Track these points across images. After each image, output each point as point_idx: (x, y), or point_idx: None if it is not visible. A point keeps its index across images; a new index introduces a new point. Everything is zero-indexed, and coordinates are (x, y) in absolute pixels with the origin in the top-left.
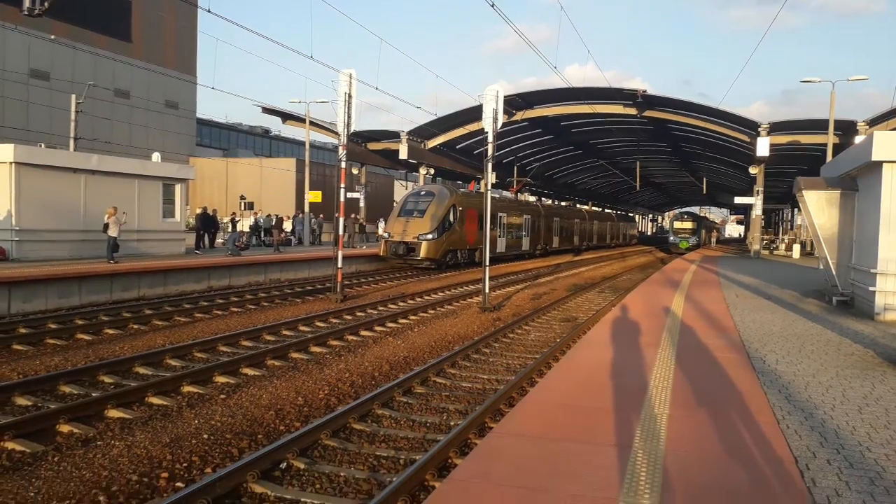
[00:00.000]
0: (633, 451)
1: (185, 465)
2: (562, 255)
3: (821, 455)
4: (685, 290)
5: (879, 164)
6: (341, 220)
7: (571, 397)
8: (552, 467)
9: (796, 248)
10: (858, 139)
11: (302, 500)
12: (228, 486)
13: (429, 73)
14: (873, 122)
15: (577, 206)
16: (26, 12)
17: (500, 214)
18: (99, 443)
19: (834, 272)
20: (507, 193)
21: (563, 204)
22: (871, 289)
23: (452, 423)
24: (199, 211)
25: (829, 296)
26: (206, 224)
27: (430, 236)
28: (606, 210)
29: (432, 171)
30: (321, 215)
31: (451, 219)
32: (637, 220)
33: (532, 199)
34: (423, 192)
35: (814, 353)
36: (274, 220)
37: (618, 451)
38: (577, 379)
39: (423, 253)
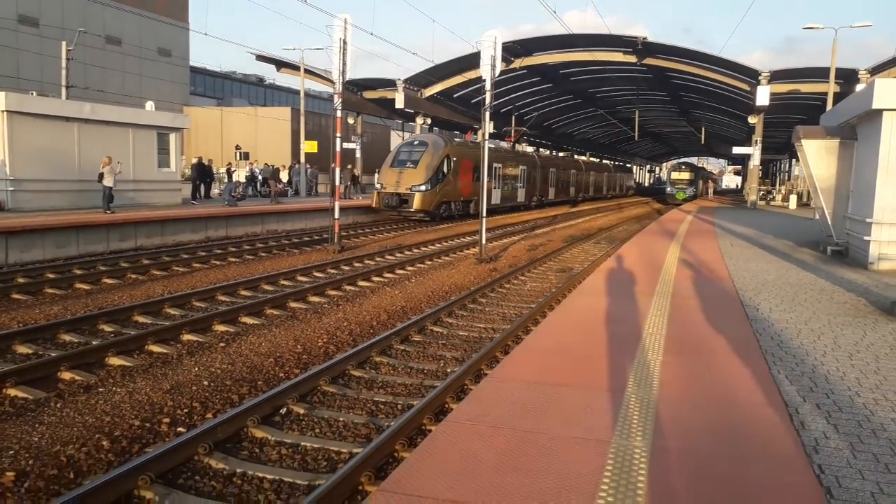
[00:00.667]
0: (627, 396)
1: (186, 410)
2: (558, 207)
3: (810, 399)
4: (681, 240)
5: (880, 112)
6: (337, 170)
7: (566, 344)
8: (547, 410)
9: (793, 198)
10: (859, 87)
11: (302, 443)
12: (229, 430)
13: (426, 18)
14: (875, 71)
15: (574, 156)
16: None
17: (495, 166)
18: (101, 389)
19: (830, 222)
20: (503, 144)
21: (560, 154)
22: (865, 238)
23: (449, 370)
24: (194, 161)
25: (824, 246)
26: (202, 174)
27: (423, 188)
28: (603, 161)
29: (429, 120)
30: (314, 166)
31: (445, 170)
32: (635, 171)
33: (530, 149)
34: (416, 143)
35: (807, 301)
36: (271, 170)
37: (611, 395)
38: (572, 326)
39: (416, 205)
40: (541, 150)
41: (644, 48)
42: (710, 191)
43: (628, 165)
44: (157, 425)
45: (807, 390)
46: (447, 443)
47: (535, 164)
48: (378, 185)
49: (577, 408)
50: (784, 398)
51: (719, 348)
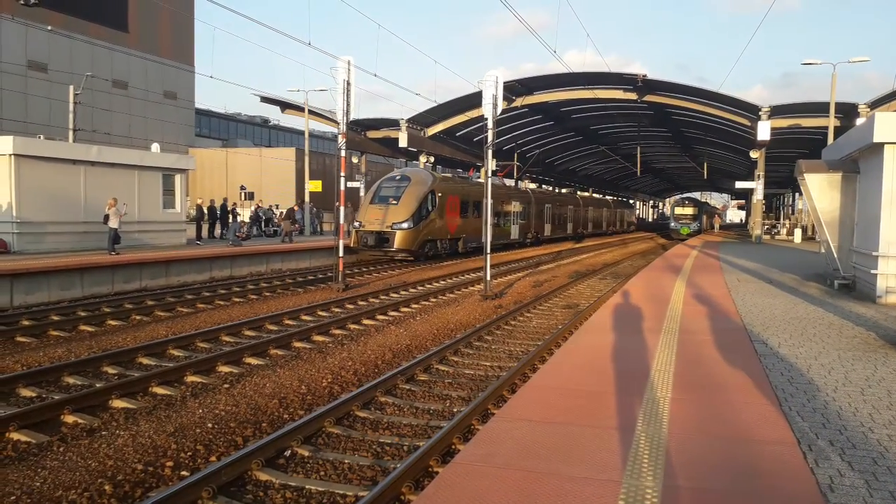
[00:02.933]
0: (636, 434)
1: (189, 453)
2: (555, 244)
3: (823, 436)
4: (686, 275)
5: (881, 145)
6: (342, 209)
7: (574, 382)
8: (555, 450)
9: (797, 232)
10: (860, 121)
11: (307, 487)
12: (233, 473)
13: (428, 59)
14: (874, 105)
15: (572, 192)
16: (23, 2)
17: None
18: (104, 433)
19: (835, 255)
20: (494, 179)
21: (563, 191)
22: (872, 271)
23: (455, 410)
24: (199, 201)
25: (831, 279)
26: (214, 214)
27: (405, 225)
28: (603, 196)
29: (432, 158)
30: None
31: (430, 206)
32: (638, 206)
33: (532, 185)
34: (398, 177)
35: (816, 335)
36: (280, 211)
37: (620, 434)
38: (580, 364)
39: (397, 244)
40: (543, 186)
41: (644, 85)
42: (717, 226)
43: (629, 201)
44: (161, 469)
45: (819, 427)
46: (455, 485)
47: (530, 200)
48: (356, 224)
49: (587, 447)
50: (796, 435)
51: (729, 385)
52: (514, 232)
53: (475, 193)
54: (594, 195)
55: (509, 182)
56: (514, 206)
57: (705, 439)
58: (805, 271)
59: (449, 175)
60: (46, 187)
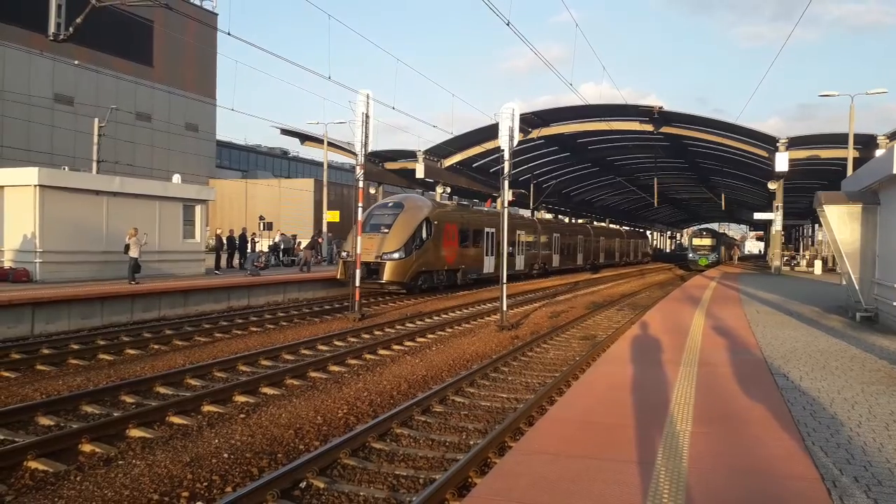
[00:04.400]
0: (656, 469)
1: (205, 484)
2: (564, 276)
3: (848, 472)
4: (705, 306)
5: None
6: (359, 238)
7: (592, 415)
8: (574, 485)
9: (818, 263)
10: (879, 153)
11: None
12: None
13: (445, 92)
14: (894, 136)
15: (587, 222)
16: (51, 38)
17: (487, 231)
18: (121, 462)
19: (857, 287)
20: (501, 208)
21: (579, 221)
22: (895, 304)
23: (472, 443)
24: (218, 232)
25: (853, 312)
26: (233, 244)
27: (396, 255)
28: (615, 226)
29: (449, 189)
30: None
31: (425, 235)
32: (655, 236)
33: (549, 216)
34: (390, 204)
35: (838, 369)
36: (300, 241)
37: (640, 468)
38: (598, 396)
39: (387, 275)
40: (559, 217)
41: (661, 117)
42: (735, 257)
43: (642, 230)
44: (177, 499)
45: (843, 462)
46: None
47: (535, 229)
48: (344, 254)
49: (606, 482)
50: (820, 471)
51: (750, 418)
52: (519, 263)
53: (475, 222)
54: (607, 225)
55: (524, 212)
56: (519, 236)
57: (726, 474)
58: (826, 303)
59: (447, 203)
60: (69, 217)
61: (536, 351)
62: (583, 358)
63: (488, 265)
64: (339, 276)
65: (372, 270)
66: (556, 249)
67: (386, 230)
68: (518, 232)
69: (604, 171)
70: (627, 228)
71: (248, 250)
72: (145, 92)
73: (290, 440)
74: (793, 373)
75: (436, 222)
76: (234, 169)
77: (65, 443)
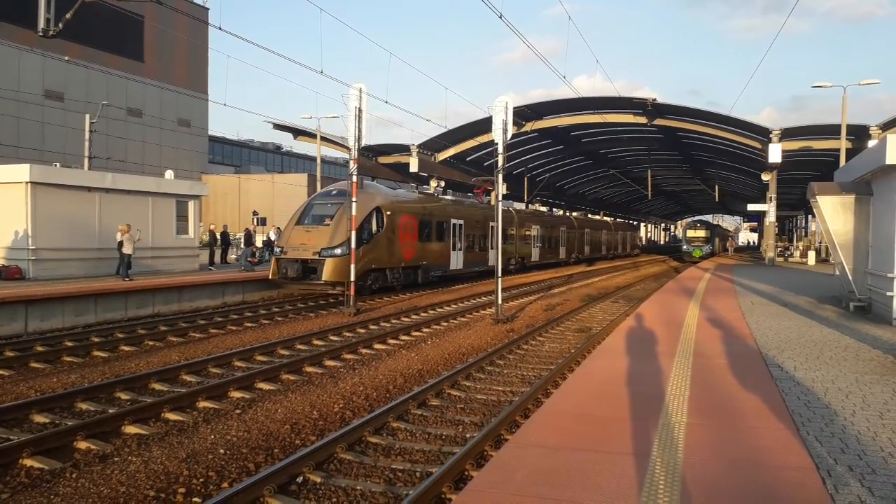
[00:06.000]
0: (652, 460)
1: (201, 480)
2: (546, 271)
3: (842, 461)
4: (700, 298)
5: (894, 167)
6: (353, 234)
7: (588, 407)
8: (570, 477)
9: (811, 254)
10: (871, 143)
11: None
12: (245, 500)
13: (438, 85)
14: (886, 126)
15: (583, 214)
16: (41, 33)
17: (454, 222)
18: (116, 459)
19: (850, 278)
20: (472, 199)
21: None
22: (888, 293)
23: (468, 436)
24: (212, 227)
25: (846, 302)
26: (227, 240)
27: (338, 251)
28: (602, 217)
29: (443, 183)
30: None
31: (376, 227)
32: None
33: (543, 209)
34: (335, 192)
35: (832, 359)
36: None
37: (636, 460)
38: (593, 389)
39: (326, 274)
40: (553, 210)
41: (654, 109)
42: (730, 248)
43: (633, 222)
44: (173, 496)
45: (838, 452)
46: None
47: (511, 221)
48: (277, 249)
49: (602, 474)
50: (815, 460)
51: (745, 409)
52: (493, 257)
53: (440, 213)
54: (592, 216)
55: (518, 205)
56: (492, 229)
57: (722, 465)
58: (820, 294)
59: (404, 190)
60: (62, 214)
61: (532, 344)
62: (578, 350)
63: (455, 261)
64: (271, 277)
65: (309, 269)
66: (535, 242)
67: (327, 222)
68: (491, 224)
69: (597, 163)
70: (615, 220)
71: (243, 246)
72: (137, 87)
73: (287, 435)
74: (787, 363)
75: (389, 213)
76: (226, 164)
77: (60, 440)
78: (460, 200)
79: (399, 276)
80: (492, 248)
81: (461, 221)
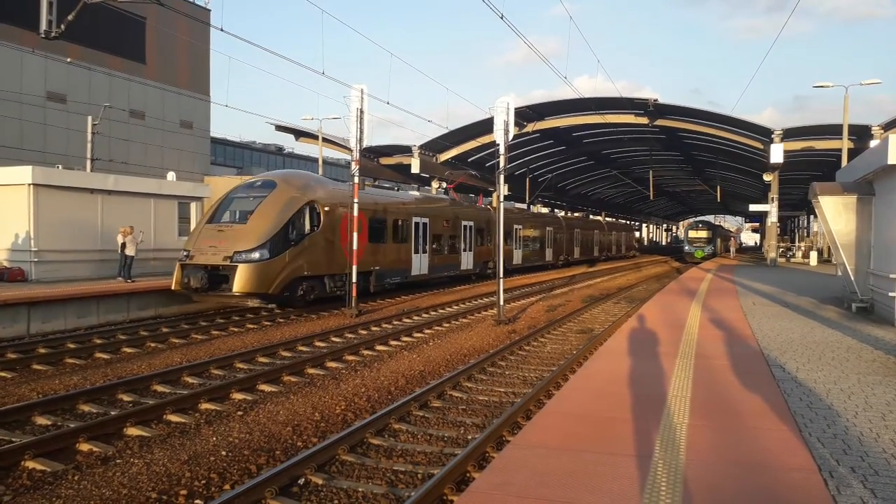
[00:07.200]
0: (654, 462)
1: (203, 482)
2: (528, 275)
3: (845, 462)
4: (702, 299)
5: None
6: (355, 235)
7: (590, 408)
8: (572, 478)
9: (813, 255)
10: (873, 143)
11: None
12: (247, 502)
13: (439, 86)
14: (888, 126)
15: (580, 214)
16: (43, 35)
17: (416, 220)
18: (118, 461)
19: (852, 278)
20: (440, 195)
21: (575, 213)
22: (890, 294)
23: (470, 437)
24: None
25: (848, 302)
26: None
27: (255, 254)
28: (594, 216)
29: (444, 184)
30: None
31: (308, 226)
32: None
33: (545, 210)
34: (258, 183)
35: (834, 360)
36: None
37: (638, 461)
38: (595, 390)
39: (239, 284)
40: (555, 210)
41: (655, 110)
42: (733, 249)
43: (629, 223)
44: (175, 498)
45: (840, 453)
46: None
47: (490, 220)
48: (183, 253)
49: (604, 475)
50: (817, 461)
51: (747, 410)
52: (467, 260)
53: (398, 209)
54: (581, 216)
55: (521, 206)
56: (467, 228)
57: (724, 466)
58: (822, 294)
59: (340, 184)
60: (64, 216)
61: (534, 345)
62: (580, 352)
63: (418, 265)
64: (174, 287)
65: (217, 278)
66: (516, 244)
67: (245, 219)
68: (464, 223)
69: (599, 164)
70: (609, 219)
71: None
72: (138, 89)
73: (289, 437)
74: (789, 364)
75: (327, 208)
76: (228, 166)
77: (62, 442)
78: (426, 196)
79: (338, 285)
80: (464, 251)
81: (425, 220)
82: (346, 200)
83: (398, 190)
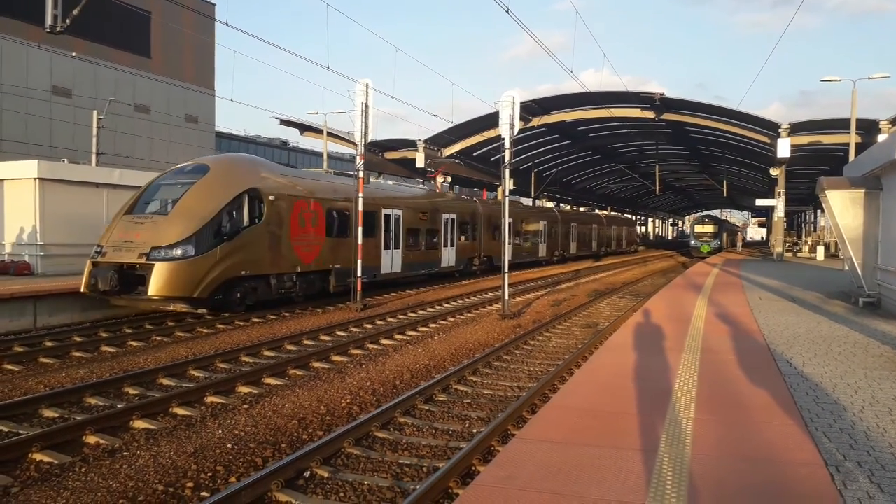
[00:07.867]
0: (659, 456)
1: (209, 474)
2: (521, 271)
3: (851, 457)
4: (708, 293)
5: None
6: (360, 229)
7: (595, 402)
8: (577, 472)
9: (820, 249)
10: (881, 138)
11: None
12: (253, 495)
13: (445, 80)
14: (895, 121)
15: (580, 208)
16: (48, 29)
17: (386, 212)
18: (125, 453)
19: (860, 273)
20: (416, 185)
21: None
22: None
23: (475, 431)
24: None
25: (855, 297)
26: None
27: (177, 251)
28: (593, 211)
29: (449, 178)
30: None
31: (248, 218)
32: (657, 223)
33: (550, 205)
34: (189, 168)
35: (841, 354)
36: None
37: (643, 455)
38: (601, 384)
39: (157, 286)
40: (561, 205)
41: (662, 104)
42: (739, 244)
43: (631, 217)
44: (181, 490)
45: (847, 448)
46: None
47: (474, 213)
48: (95, 250)
49: (609, 469)
50: (823, 456)
51: (753, 405)
52: (448, 256)
53: (375, 204)
54: (578, 210)
55: (526, 202)
56: (448, 222)
57: (730, 460)
58: (828, 289)
59: (291, 169)
60: (70, 210)
61: (539, 339)
62: (585, 346)
63: (389, 262)
64: (83, 289)
65: (131, 278)
66: (510, 239)
67: (168, 209)
68: (444, 216)
69: (605, 158)
70: (609, 214)
71: None
72: (144, 83)
73: (294, 430)
74: (795, 359)
75: (272, 197)
76: None
77: (69, 435)
78: (399, 186)
79: (291, 286)
80: (445, 246)
81: (398, 212)
82: (297, 188)
83: (371, 180)
